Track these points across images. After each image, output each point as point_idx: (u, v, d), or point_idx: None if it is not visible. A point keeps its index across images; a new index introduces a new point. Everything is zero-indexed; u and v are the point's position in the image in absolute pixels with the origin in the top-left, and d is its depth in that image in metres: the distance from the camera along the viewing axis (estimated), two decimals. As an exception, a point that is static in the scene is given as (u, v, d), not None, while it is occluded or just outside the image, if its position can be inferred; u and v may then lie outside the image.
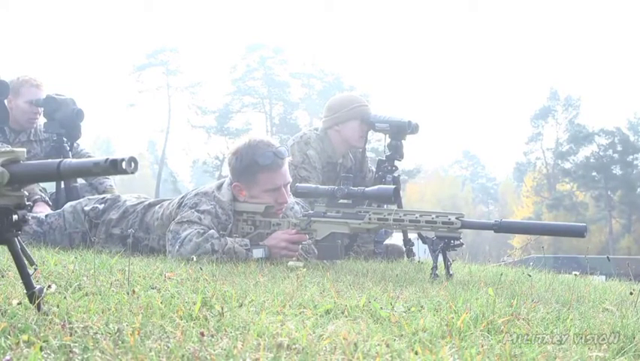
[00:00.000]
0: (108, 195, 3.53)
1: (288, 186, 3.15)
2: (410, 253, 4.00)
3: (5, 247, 1.44)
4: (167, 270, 2.28)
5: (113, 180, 4.34)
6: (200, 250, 2.81)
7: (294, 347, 1.24)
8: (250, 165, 3.04)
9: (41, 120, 4.27)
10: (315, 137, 4.10)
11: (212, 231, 2.90)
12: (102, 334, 1.27)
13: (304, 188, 3.14)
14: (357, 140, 4.12)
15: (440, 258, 2.74)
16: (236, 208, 3.09)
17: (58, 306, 1.49)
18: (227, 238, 2.92)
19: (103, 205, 3.34)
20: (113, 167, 1.29)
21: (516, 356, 1.30)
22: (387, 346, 1.30)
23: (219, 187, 3.15)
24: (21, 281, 1.44)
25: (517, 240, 24.49)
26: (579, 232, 2.58)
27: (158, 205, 3.24)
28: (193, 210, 2.98)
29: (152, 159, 47.58)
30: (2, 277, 1.89)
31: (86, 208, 3.34)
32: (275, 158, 3.04)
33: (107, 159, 1.30)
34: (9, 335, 1.21)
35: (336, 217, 2.96)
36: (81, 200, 3.52)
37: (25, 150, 1.41)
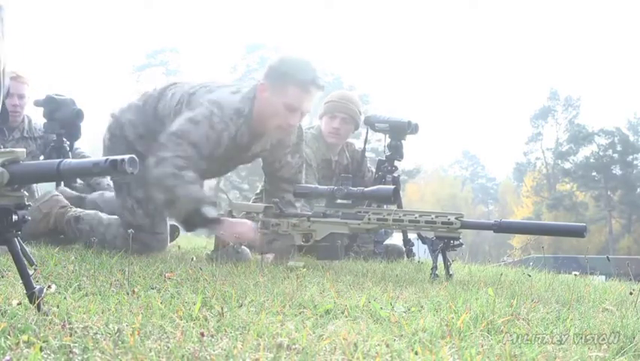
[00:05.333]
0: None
1: (302, 116, 3.16)
2: (410, 253, 4.00)
3: (5, 247, 1.44)
4: (167, 270, 2.28)
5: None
6: (165, 183, 2.80)
7: (294, 347, 1.24)
8: (289, 73, 3.06)
9: (41, 120, 4.27)
10: (310, 136, 4.17)
11: (188, 174, 2.85)
12: (102, 334, 1.27)
13: (304, 188, 3.14)
14: (326, 135, 4.19)
15: (440, 258, 2.74)
16: (235, 208, 3.10)
17: (58, 306, 1.49)
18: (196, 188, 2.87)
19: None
20: (113, 167, 1.29)
21: (516, 356, 1.30)
22: (387, 346, 1.30)
23: (236, 93, 3.12)
24: (21, 281, 1.44)
25: (517, 240, 24.51)
26: (579, 232, 2.58)
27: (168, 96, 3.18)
28: (186, 124, 2.93)
29: (152, 159, 47.47)
30: (2, 277, 1.89)
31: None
32: (313, 81, 3.08)
33: (107, 159, 1.30)
34: (9, 335, 1.21)
35: (335, 217, 2.96)
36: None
37: (24, 150, 1.41)
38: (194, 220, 2.86)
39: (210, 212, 2.83)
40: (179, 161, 2.85)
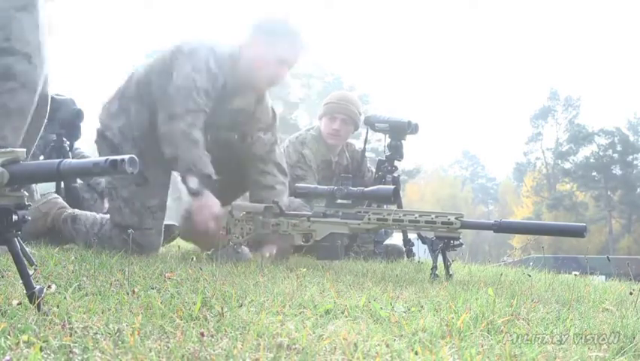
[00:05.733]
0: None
1: (287, 70, 3.24)
2: (410, 253, 4.00)
3: (5, 247, 1.44)
4: (167, 270, 2.28)
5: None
6: (173, 140, 2.90)
7: (294, 347, 1.24)
8: (280, 26, 3.17)
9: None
10: (310, 137, 4.20)
11: (195, 134, 2.92)
12: (102, 334, 1.26)
13: (304, 188, 3.14)
14: (326, 136, 4.22)
15: (440, 258, 2.74)
16: (235, 208, 3.10)
17: (58, 306, 1.49)
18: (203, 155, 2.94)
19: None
20: (113, 167, 1.29)
21: (516, 356, 1.30)
22: (387, 346, 1.30)
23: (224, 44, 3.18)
24: (21, 281, 1.44)
25: (517, 240, 24.52)
26: (579, 232, 2.58)
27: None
28: (190, 72, 2.97)
29: (152, 159, 47.39)
30: (2, 277, 1.89)
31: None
32: (302, 37, 3.20)
33: (107, 159, 1.30)
34: (9, 335, 1.21)
35: (335, 217, 2.96)
36: None
37: (24, 150, 1.41)
38: (185, 184, 2.96)
39: (192, 182, 2.93)
40: (189, 117, 2.93)
